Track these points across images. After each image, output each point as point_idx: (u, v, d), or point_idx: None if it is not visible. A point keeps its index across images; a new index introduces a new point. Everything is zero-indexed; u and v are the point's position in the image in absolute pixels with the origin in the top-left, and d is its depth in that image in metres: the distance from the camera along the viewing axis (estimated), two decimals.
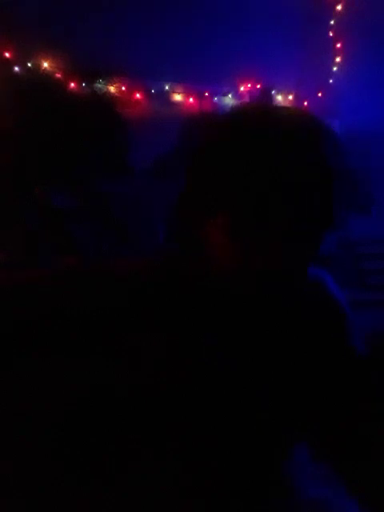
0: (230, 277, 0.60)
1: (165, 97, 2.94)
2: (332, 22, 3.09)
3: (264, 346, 0.63)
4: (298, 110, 0.62)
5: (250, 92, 3.06)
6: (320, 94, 3.19)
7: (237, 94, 3.06)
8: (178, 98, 2.97)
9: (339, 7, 3.05)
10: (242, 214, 0.57)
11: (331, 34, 3.11)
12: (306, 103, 3.22)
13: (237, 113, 0.65)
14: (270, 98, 3.12)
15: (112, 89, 2.81)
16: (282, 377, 0.63)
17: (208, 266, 0.61)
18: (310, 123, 0.61)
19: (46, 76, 2.64)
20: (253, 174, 0.56)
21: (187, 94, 2.97)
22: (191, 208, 0.62)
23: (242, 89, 3.05)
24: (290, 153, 0.56)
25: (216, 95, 3.04)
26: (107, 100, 2.71)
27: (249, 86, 3.06)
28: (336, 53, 3.14)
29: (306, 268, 0.61)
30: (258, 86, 3.07)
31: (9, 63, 2.57)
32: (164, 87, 2.94)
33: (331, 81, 3.18)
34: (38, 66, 2.64)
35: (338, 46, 3.13)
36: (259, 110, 0.63)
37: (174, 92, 2.96)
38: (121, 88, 2.82)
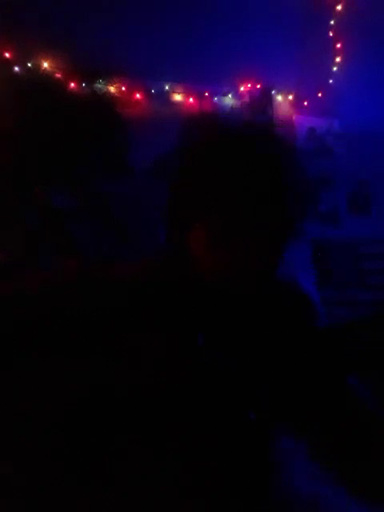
0: (214, 277, 0.62)
1: (165, 97, 2.94)
2: (332, 22, 3.09)
3: (257, 343, 0.64)
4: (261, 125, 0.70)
5: (250, 92, 3.06)
6: (320, 94, 3.19)
7: (237, 94, 3.06)
8: (177, 97, 2.97)
9: (339, 7, 3.04)
10: (226, 218, 0.60)
11: (331, 34, 3.11)
12: (306, 103, 3.22)
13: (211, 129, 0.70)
14: (270, 98, 3.12)
15: (112, 89, 2.80)
16: (281, 377, 0.63)
17: (195, 267, 0.63)
18: (272, 138, 0.67)
19: (46, 76, 2.64)
20: (233, 182, 0.60)
21: (187, 94, 2.97)
22: (174, 215, 0.65)
23: (242, 89, 3.05)
24: (257, 165, 0.61)
25: (216, 95, 3.04)
26: (107, 100, 2.70)
27: (249, 85, 3.05)
28: (336, 53, 3.14)
29: (278, 265, 0.65)
30: (258, 86, 3.06)
31: (9, 63, 2.57)
32: (164, 87, 2.93)
33: (331, 81, 3.18)
34: (37, 66, 2.64)
35: (338, 46, 3.13)
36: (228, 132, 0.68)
37: (174, 92, 2.96)
38: (121, 88, 2.82)
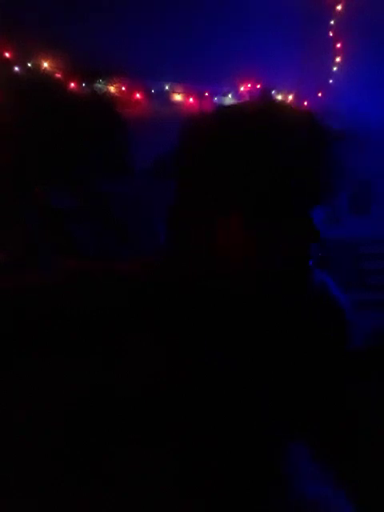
0: (238, 276, 0.60)
1: (165, 97, 2.94)
2: (332, 22, 3.09)
3: (265, 347, 0.63)
4: (295, 107, 0.66)
5: (250, 92, 3.06)
6: (320, 94, 3.19)
7: (237, 94, 3.06)
8: (178, 97, 2.97)
9: (339, 7, 3.05)
10: (255, 212, 0.57)
11: (331, 34, 3.11)
12: (306, 103, 3.22)
13: (236, 111, 0.65)
14: (270, 98, 3.12)
15: (112, 89, 2.81)
16: (282, 377, 0.63)
17: (212, 267, 0.61)
18: (307, 119, 0.62)
19: (46, 76, 2.64)
20: (262, 171, 0.56)
21: (187, 94, 2.97)
22: (195, 208, 0.61)
23: (242, 89, 3.05)
24: (292, 147, 0.57)
25: (216, 95, 3.04)
26: (107, 100, 2.70)
27: (249, 85, 3.06)
28: (336, 53, 3.14)
29: (308, 266, 0.62)
30: (258, 86, 3.07)
31: (9, 63, 2.57)
32: (164, 87, 2.94)
33: (331, 81, 3.18)
34: (37, 66, 2.64)
35: (338, 45, 3.13)
36: (259, 109, 0.64)
37: (174, 92, 2.96)
38: (121, 88, 2.82)
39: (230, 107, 0.67)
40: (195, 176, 0.62)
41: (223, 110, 0.67)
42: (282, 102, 0.69)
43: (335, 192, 0.63)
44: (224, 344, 0.62)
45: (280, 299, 0.62)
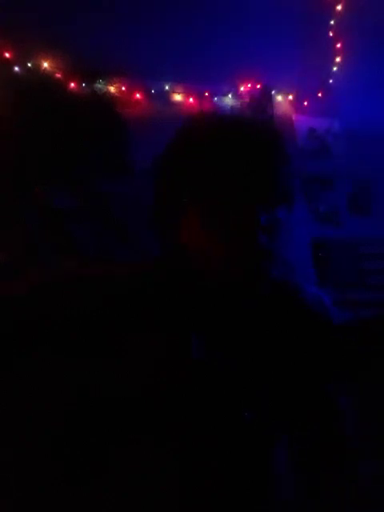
0: (212, 270, 0.62)
1: (165, 97, 2.94)
2: (332, 22, 3.08)
3: (256, 343, 0.64)
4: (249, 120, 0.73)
5: (250, 92, 3.06)
6: (320, 94, 3.19)
7: (237, 94, 3.06)
8: (178, 97, 2.97)
9: (339, 7, 3.04)
10: (209, 202, 0.61)
11: (331, 34, 3.11)
12: (305, 103, 3.22)
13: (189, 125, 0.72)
14: (270, 98, 3.12)
15: (112, 89, 2.80)
16: (276, 370, 0.64)
17: (190, 264, 0.63)
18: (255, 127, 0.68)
19: (46, 76, 2.64)
20: (210, 164, 0.60)
21: (187, 94, 2.97)
22: (164, 208, 0.66)
23: (242, 89, 3.05)
24: (240, 149, 0.61)
25: (216, 95, 3.04)
26: (107, 100, 2.70)
27: (249, 85, 3.05)
28: (336, 53, 3.14)
29: (271, 252, 0.65)
30: (258, 86, 3.06)
31: (9, 63, 2.57)
32: (164, 87, 2.93)
33: (331, 81, 3.18)
34: (37, 66, 2.64)
35: (338, 45, 3.12)
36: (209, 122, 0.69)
37: (174, 92, 2.96)
38: (121, 88, 2.82)
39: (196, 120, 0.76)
40: (167, 179, 0.66)
41: (192, 121, 0.74)
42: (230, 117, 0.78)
43: (288, 195, 0.67)
44: (223, 344, 0.62)
45: (254, 290, 0.66)
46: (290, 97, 3.20)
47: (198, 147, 0.64)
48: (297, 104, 3.20)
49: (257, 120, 0.71)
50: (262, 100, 3.06)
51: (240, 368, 0.62)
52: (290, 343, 0.67)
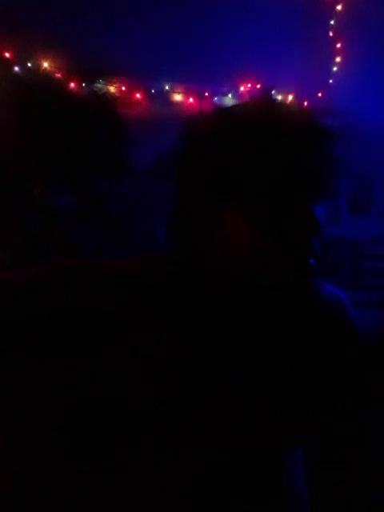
0: (247, 269, 0.59)
1: (165, 97, 2.94)
2: (332, 22, 3.09)
3: (263, 345, 0.63)
4: (295, 106, 0.67)
5: (250, 92, 3.06)
6: (320, 94, 3.19)
7: (237, 94, 3.06)
8: (177, 97, 2.97)
9: (339, 7, 3.04)
10: (262, 203, 0.57)
11: (331, 34, 3.11)
12: (306, 103, 3.22)
13: (237, 109, 0.66)
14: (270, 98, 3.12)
15: (112, 89, 2.81)
16: (280, 376, 0.63)
17: (220, 262, 0.60)
18: (306, 117, 0.64)
19: (46, 76, 2.64)
20: (268, 163, 0.57)
21: (187, 94, 2.97)
22: (196, 206, 0.61)
23: (242, 89, 3.05)
24: (290, 147, 0.57)
25: (216, 95, 3.04)
26: (107, 100, 2.70)
27: (249, 85, 3.06)
28: (336, 53, 3.14)
29: (310, 267, 0.61)
30: (258, 86, 3.07)
31: (9, 63, 2.57)
32: (164, 87, 2.94)
33: (331, 81, 3.18)
34: (37, 66, 2.64)
35: (338, 45, 3.13)
36: (258, 107, 0.64)
37: (173, 92, 2.96)
38: (121, 88, 2.82)
39: (230, 107, 0.68)
40: (196, 174, 0.61)
41: (223, 109, 0.67)
42: (282, 101, 0.69)
43: (334, 189, 0.63)
44: (226, 344, 0.62)
45: (282, 298, 0.62)
46: (290, 97, 3.20)
47: (241, 138, 0.58)
48: (297, 104, 3.20)
49: (306, 110, 0.65)
50: (262, 99, 3.06)
51: (247, 370, 0.62)
52: (306, 347, 0.65)
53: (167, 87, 2.94)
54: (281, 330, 0.63)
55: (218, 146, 0.59)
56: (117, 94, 2.80)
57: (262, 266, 0.58)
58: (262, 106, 0.64)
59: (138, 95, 2.87)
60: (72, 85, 2.69)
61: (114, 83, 2.80)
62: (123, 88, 2.83)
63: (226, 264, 0.60)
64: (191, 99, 2.98)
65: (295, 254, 0.58)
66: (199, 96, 3.00)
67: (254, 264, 0.58)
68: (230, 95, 3.06)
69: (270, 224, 0.57)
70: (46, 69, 2.65)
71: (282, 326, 0.63)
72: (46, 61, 2.64)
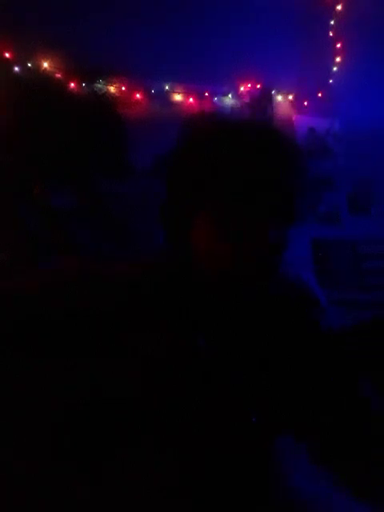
0: (219, 271, 0.62)
1: (165, 97, 2.94)
2: (332, 22, 3.09)
3: (259, 343, 0.64)
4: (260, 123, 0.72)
5: (249, 92, 3.06)
6: (320, 94, 3.19)
7: (237, 94, 3.06)
8: (178, 97, 2.97)
9: (339, 7, 3.04)
10: (225, 207, 0.60)
11: (331, 34, 3.11)
12: (305, 103, 3.22)
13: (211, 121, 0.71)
14: (270, 98, 3.12)
15: (112, 89, 2.80)
16: (278, 373, 0.63)
17: (197, 263, 0.63)
18: (275, 134, 0.67)
19: (46, 76, 2.64)
20: (228, 177, 0.60)
21: (187, 94, 2.97)
22: (173, 211, 0.65)
23: (242, 89, 3.05)
24: (259, 159, 0.61)
25: (216, 95, 3.04)
26: (107, 100, 2.70)
27: (249, 86, 3.06)
28: (336, 53, 3.14)
29: (277, 262, 0.65)
30: (258, 86, 3.06)
31: (9, 63, 2.57)
32: (164, 87, 2.93)
33: (331, 81, 3.18)
34: (37, 66, 2.64)
35: (338, 45, 3.13)
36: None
37: (174, 92, 2.96)
38: (121, 88, 2.82)
39: (223, 118, 0.73)
40: (179, 178, 0.65)
41: (214, 118, 0.73)
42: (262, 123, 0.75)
43: (301, 208, 0.67)
44: (225, 344, 0.62)
45: (261, 292, 0.65)
46: (290, 97, 3.20)
47: (215, 150, 0.62)
48: (297, 104, 3.20)
49: (280, 132, 0.69)
50: (262, 100, 3.06)
51: (246, 370, 0.62)
52: (296, 343, 0.67)
53: (167, 87, 2.94)
54: (268, 321, 0.66)
55: (195, 155, 0.64)
56: (117, 94, 2.80)
57: (223, 266, 0.62)
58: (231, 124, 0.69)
59: (138, 95, 2.87)
60: (72, 85, 2.69)
61: (114, 83, 2.80)
62: (123, 88, 2.83)
63: (198, 263, 0.63)
64: (191, 99, 2.98)
65: (251, 257, 0.62)
66: (199, 96, 3.00)
67: (218, 264, 0.62)
68: (230, 95, 3.05)
69: (231, 232, 0.61)
70: (46, 69, 2.65)
71: (267, 318, 0.66)
72: (45, 61, 2.64)
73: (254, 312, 0.65)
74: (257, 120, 0.76)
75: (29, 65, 2.62)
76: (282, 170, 0.63)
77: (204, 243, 0.62)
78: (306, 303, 0.74)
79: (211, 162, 0.62)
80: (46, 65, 2.64)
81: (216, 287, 0.63)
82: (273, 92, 3.14)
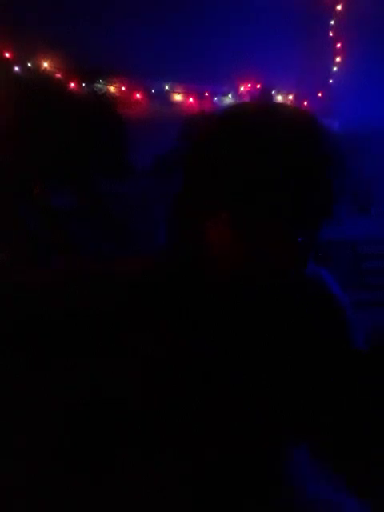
0: (233, 274, 0.60)
1: (165, 97, 2.94)
2: (332, 22, 3.09)
3: (264, 344, 0.63)
4: (294, 107, 0.66)
5: (249, 92, 3.06)
6: (320, 94, 3.19)
7: (237, 94, 3.06)
8: (178, 97, 2.97)
9: (339, 7, 3.05)
10: (245, 208, 0.58)
11: (331, 34, 3.11)
12: (306, 103, 3.22)
13: (235, 110, 0.66)
14: (270, 98, 3.12)
15: (112, 89, 2.81)
16: (281, 375, 0.63)
17: (210, 265, 0.61)
18: (306, 117, 0.62)
19: (46, 76, 2.64)
20: (253, 167, 0.57)
21: (187, 94, 2.97)
22: (191, 206, 0.62)
23: (242, 89, 3.05)
24: (289, 146, 0.57)
25: (216, 95, 3.04)
26: (107, 100, 2.70)
27: (249, 86, 3.06)
28: (336, 53, 3.14)
29: (307, 262, 0.62)
30: (258, 86, 3.07)
31: (9, 63, 2.57)
32: (164, 87, 2.94)
33: (331, 81, 3.18)
34: (37, 66, 2.64)
35: (338, 45, 3.13)
36: (258, 107, 0.64)
37: (174, 92, 2.96)
38: (121, 88, 2.82)
39: (229, 107, 0.68)
40: (192, 175, 0.62)
41: (222, 110, 0.67)
42: (282, 104, 0.66)
43: (332, 206, 0.62)
44: (224, 343, 0.62)
45: (277, 295, 0.62)
46: (290, 97, 3.20)
47: (235, 149, 0.58)
48: (297, 104, 3.20)
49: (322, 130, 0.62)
50: (262, 100, 3.06)
51: (247, 370, 0.62)
52: (298, 343, 0.66)
53: (167, 87, 2.94)
54: (276, 323, 0.63)
55: (210, 150, 0.60)
56: (117, 94, 2.80)
57: (241, 268, 0.59)
58: (258, 109, 0.64)
59: (138, 95, 2.87)
60: (72, 85, 2.69)
61: (114, 83, 2.80)
62: (123, 88, 2.83)
63: (212, 265, 0.61)
64: (191, 99, 2.98)
65: (279, 271, 0.59)
66: (199, 96, 3.00)
67: (236, 265, 0.59)
68: (230, 95, 3.06)
69: (255, 236, 0.58)
70: (45, 69, 2.65)
71: (277, 319, 0.63)
72: (45, 61, 2.64)
73: (255, 312, 0.64)
74: (289, 106, 0.70)
75: (29, 65, 2.62)
76: (317, 160, 0.58)
77: (219, 243, 0.60)
78: (320, 303, 0.70)
79: (229, 162, 0.58)
80: (46, 65, 2.65)
81: (224, 287, 0.62)
82: (273, 92, 3.14)
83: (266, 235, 0.58)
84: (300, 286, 0.65)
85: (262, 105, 0.65)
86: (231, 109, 0.67)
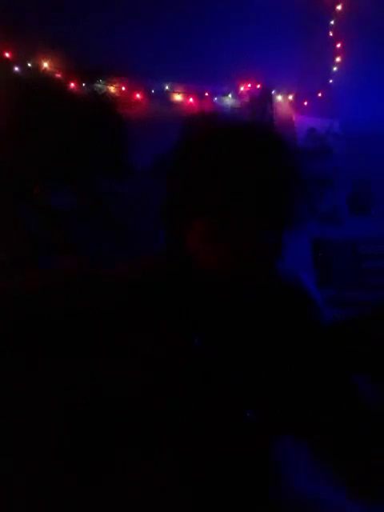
0: (217, 271, 0.62)
1: (165, 97, 2.94)
2: (332, 22, 3.09)
3: (256, 341, 0.64)
4: (254, 123, 0.71)
5: (249, 92, 3.06)
6: (320, 94, 3.19)
7: (237, 94, 3.06)
8: (178, 97, 2.97)
9: (339, 7, 3.05)
10: (223, 207, 0.61)
11: (331, 34, 3.11)
12: (305, 103, 3.22)
13: (207, 127, 0.71)
14: (270, 98, 3.12)
15: (112, 89, 2.81)
16: (275, 369, 0.64)
17: (196, 263, 0.63)
18: (273, 137, 0.68)
19: (46, 76, 2.64)
20: (224, 181, 0.60)
21: (187, 94, 2.97)
22: (171, 213, 0.66)
23: (242, 89, 3.05)
24: (251, 162, 0.61)
25: (216, 95, 3.04)
26: (107, 100, 2.70)
27: (249, 86, 3.06)
28: (336, 53, 3.14)
29: (278, 259, 0.66)
30: (258, 86, 3.06)
31: (9, 63, 2.57)
32: (164, 87, 2.94)
33: (331, 81, 3.18)
34: (37, 66, 2.64)
35: (338, 45, 3.13)
36: (225, 129, 0.69)
37: (174, 92, 2.96)
38: (121, 88, 2.82)
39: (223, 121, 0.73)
40: (178, 178, 0.65)
41: (215, 120, 0.73)
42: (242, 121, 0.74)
43: (293, 211, 0.67)
44: (223, 343, 0.62)
45: (252, 294, 0.66)
46: (290, 97, 3.20)
47: (213, 152, 0.63)
48: (297, 104, 3.20)
49: (277, 133, 0.69)
50: (262, 100, 3.06)
51: (246, 370, 0.62)
52: (294, 340, 0.67)
53: (167, 87, 2.94)
54: (267, 321, 0.66)
55: (193, 158, 0.64)
56: (117, 94, 2.80)
57: (220, 267, 0.62)
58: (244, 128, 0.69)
59: (138, 95, 2.87)
60: (72, 85, 2.69)
61: (114, 83, 2.80)
62: (123, 88, 2.83)
63: (198, 264, 0.63)
64: (191, 99, 2.98)
65: (255, 259, 0.62)
66: (199, 96, 3.00)
67: (215, 265, 0.62)
68: (230, 95, 3.05)
69: (231, 229, 0.61)
70: (46, 69, 2.65)
71: (266, 318, 0.66)
72: (45, 61, 2.64)
73: (252, 312, 0.65)
74: (255, 121, 0.76)
75: (29, 65, 2.62)
76: (279, 171, 0.63)
77: (203, 243, 0.62)
78: (304, 303, 0.75)
79: (209, 163, 0.62)
80: (46, 65, 2.64)
81: (215, 287, 0.63)
82: (273, 92, 3.14)
83: (237, 238, 0.61)
84: (278, 286, 0.70)
85: (227, 126, 0.70)
86: (203, 125, 0.72)
